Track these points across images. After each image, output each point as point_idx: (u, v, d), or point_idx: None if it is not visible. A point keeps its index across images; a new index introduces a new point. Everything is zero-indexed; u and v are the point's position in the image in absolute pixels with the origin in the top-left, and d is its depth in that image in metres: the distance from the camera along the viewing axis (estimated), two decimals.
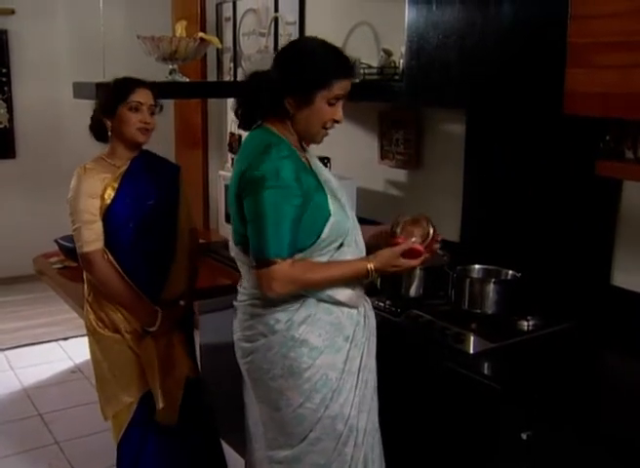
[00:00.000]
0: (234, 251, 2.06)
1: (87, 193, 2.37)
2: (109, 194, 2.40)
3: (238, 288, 2.13)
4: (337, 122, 1.96)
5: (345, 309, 2.02)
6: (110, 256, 2.40)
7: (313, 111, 1.91)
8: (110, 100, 2.40)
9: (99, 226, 2.39)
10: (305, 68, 1.90)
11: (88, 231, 2.37)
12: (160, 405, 2.46)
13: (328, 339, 1.98)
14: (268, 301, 1.96)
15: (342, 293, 1.99)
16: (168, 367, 2.50)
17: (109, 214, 2.39)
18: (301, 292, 1.95)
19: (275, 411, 2.02)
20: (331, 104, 1.92)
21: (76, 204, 2.38)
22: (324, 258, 1.96)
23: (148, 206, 2.45)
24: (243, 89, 2.07)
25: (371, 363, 2.09)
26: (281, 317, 1.97)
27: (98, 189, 2.39)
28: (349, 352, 2.01)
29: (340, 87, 1.91)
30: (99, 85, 2.59)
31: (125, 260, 2.42)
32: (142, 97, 2.40)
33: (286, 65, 1.93)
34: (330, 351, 1.98)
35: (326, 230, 1.93)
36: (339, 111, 1.94)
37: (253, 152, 1.93)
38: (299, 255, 1.92)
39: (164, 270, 2.51)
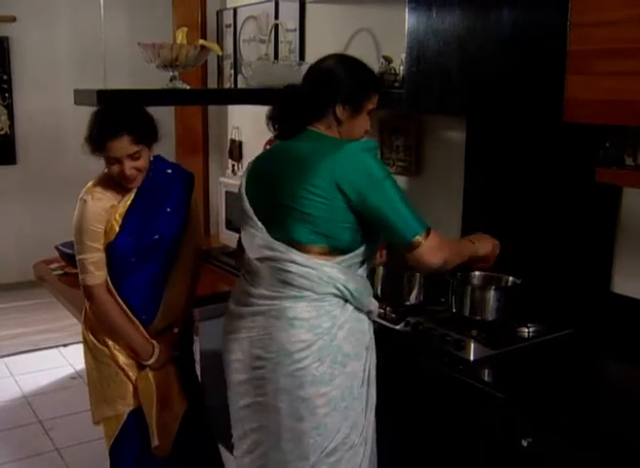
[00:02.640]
0: (270, 248, 1.98)
1: (91, 225, 2.28)
2: (113, 230, 2.31)
3: (249, 290, 2.04)
4: (367, 133, 2.12)
5: (367, 319, 2.06)
6: (110, 285, 2.34)
7: (361, 119, 2.07)
8: (91, 150, 2.26)
9: (102, 258, 2.32)
10: (358, 78, 2.06)
11: (91, 265, 2.30)
12: (155, 442, 2.40)
13: (356, 347, 2.00)
14: (309, 304, 1.94)
15: (372, 302, 2.07)
16: (166, 401, 2.43)
17: (111, 249, 2.33)
18: (347, 296, 1.97)
19: (297, 422, 1.96)
20: (368, 114, 2.09)
21: (80, 236, 2.30)
22: (356, 263, 2.01)
23: (153, 240, 2.36)
24: (281, 98, 2.14)
25: (374, 373, 2.10)
26: (324, 321, 1.95)
27: (102, 222, 2.30)
28: (367, 361, 2.03)
29: (376, 98, 2.09)
30: (99, 92, 2.59)
31: (120, 285, 2.36)
32: (117, 150, 2.19)
33: (337, 76, 2.04)
34: (356, 358, 1.99)
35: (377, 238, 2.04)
36: (369, 122, 2.11)
37: (333, 150, 1.93)
38: (339, 259, 1.96)
39: (160, 295, 2.43)
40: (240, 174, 4.10)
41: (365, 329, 2.04)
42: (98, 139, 2.22)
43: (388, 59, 3.03)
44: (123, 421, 2.44)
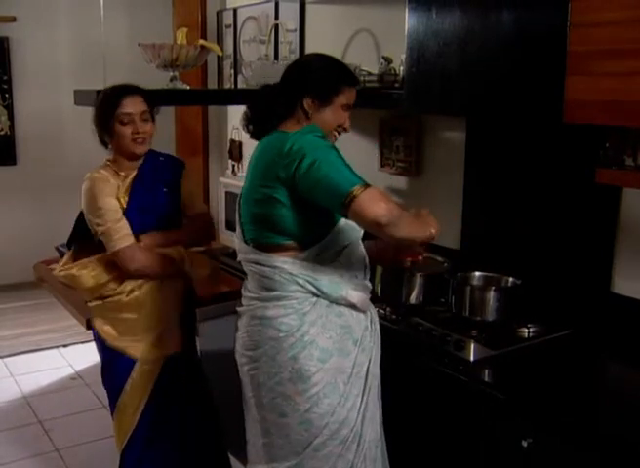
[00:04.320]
0: (245, 249, 2.07)
1: (104, 192, 2.37)
2: (121, 205, 2.40)
3: (243, 293, 2.12)
4: (344, 130, 2.10)
5: (355, 313, 2.04)
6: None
7: (331, 111, 2.04)
8: (101, 116, 2.39)
9: (126, 223, 2.37)
10: (326, 70, 2.07)
11: (116, 229, 2.35)
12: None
13: (338, 342, 1.99)
14: (277, 304, 1.98)
15: (357, 296, 2.03)
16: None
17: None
18: (313, 291, 1.96)
19: (281, 418, 2.00)
20: (343, 110, 2.06)
21: (96, 204, 2.35)
22: (329, 256, 1.99)
23: (156, 217, 2.46)
24: (256, 98, 2.14)
25: (376, 370, 2.09)
26: (292, 319, 1.96)
27: (113, 192, 2.38)
28: (357, 356, 2.02)
29: (351, 94, 2.07)
30: (99, 92, 2.59)
31: None
32: (131, 106, 2.36)
33: (306, 69, 2.09)
34: (340, 354, 1.99)
35: (341, 223, 1.98)
36: (348, 120, 2.09)
37: (283, 142, 1.93)
38: (306, 253, 1.96)
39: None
40: (240, 174, 4.10)
41: (350, 323, 2.02)
42: (113, 98, 2.35)
43: (388, 60, 3.03)
44: (138, 418, 2.47)
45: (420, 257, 2.21)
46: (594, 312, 2.35)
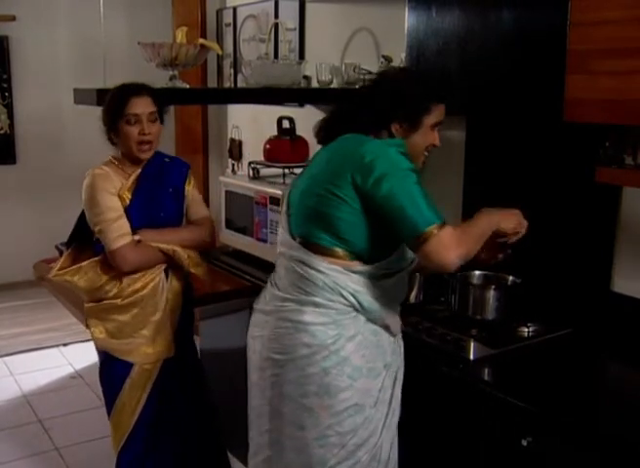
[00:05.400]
0: (289, 244, 1.95)
1: (106, 190, 2.33)
2: (124, 201, 2.37)
3: (271, 290, 2.00)
4: (434, 147, 2.02)
5: (386, 334, 1.97)
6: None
7: (420, 134, 1.96)
8: (109, 115, 2.36)
9: (124, 222, 2.33)
10: (416, 92, 1.94)
11: (114, 229, 2.31)
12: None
13: (370, 362, 1.91)
14: (315, 310, 1.88)
15: (391, 318, 1.97)
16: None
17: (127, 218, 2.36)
18: (355, 306, 1.88)
19: (298, 431, 1.90)
20: (432, 129, 1.97)
21: (96, 201, 2.32)
22: (381, 276, 1.91)
23: (160, 216, 2.44)
24: (337, 114, 2.05)
25: (399, 392, 2.03)
26: (330, 328, 1.86)
27: (115, 189, 2.35)
28: (385, 380, 1.95)
29: (440, 111, 1.97)
30: (99, 91, 2.59)
31: None
32: (139, 107, 2.33)
33: (396, 94, 1.94)
34: (369, 375, 1.91)
35: (400, 249, 1.92)
36: (437, 137, 2.00)
37: (362, 145, 1.86)
38: (360, 267, 1.88)
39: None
40: (240, 173, 4.09)
41: (383, 344, 1.95)
42: (121, 97, 2.33)
43: (388, 59, 3.03)
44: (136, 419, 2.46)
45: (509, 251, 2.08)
46: (594, 311, 2.35)
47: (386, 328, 1.96)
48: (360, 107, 1.98)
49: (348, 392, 1.88)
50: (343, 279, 1.87)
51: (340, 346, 1.87)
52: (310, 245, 1.90)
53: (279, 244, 2.02)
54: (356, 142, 1.89)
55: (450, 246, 1.75)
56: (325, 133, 2.03)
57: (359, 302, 1.88)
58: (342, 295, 1.87)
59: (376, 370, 1.92)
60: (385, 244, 1.90)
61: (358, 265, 1.89)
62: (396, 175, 1.79)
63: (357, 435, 1.90)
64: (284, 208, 2.04)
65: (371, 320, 1.92)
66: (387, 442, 1.99)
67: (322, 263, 1.88)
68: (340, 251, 1.88)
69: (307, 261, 1.89)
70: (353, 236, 1.86)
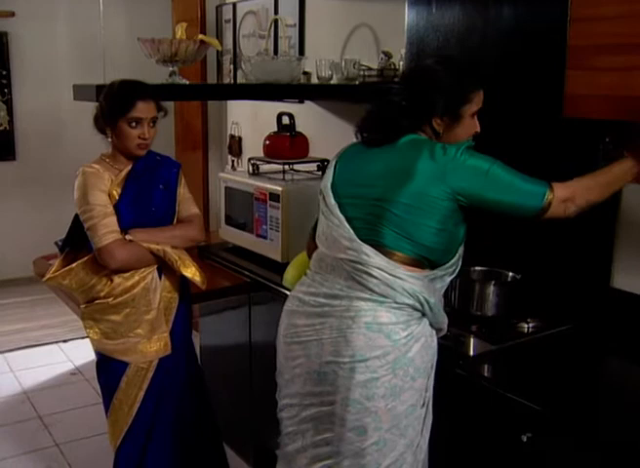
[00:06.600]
0: (358, 248, 1.89)
1: (97, 187, 2.33)
2: (114, 197, 2.36)
3: (330, 291, 1.93)
4: (476, 134, 2.00)
5: (436, 336, 1.99)
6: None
7: (462, 125, 1.95)
8: (110, 112, 2.34)
9: (113, 220, 2.32)
10: (454, 82, 1.91)
11: (102, 225, 2.30)
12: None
13: (426, 362, 1.92)
14: (390, 310, 1.86)
15: (444, 321, 2.00)
16: None
17: (116, 214, 2.35)
18: (424, 310, 1.89)
19: (359, 436, 1.87)
20: (472, 117, 1.96)
21: (86, 199, 2.32)
22: (441, 280, 1.96)
23: (151, 212, 2.43)
24: (377, 110, 2.02)
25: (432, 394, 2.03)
26: (401, 328, 1.86)
27: (106, 186, 2.35)
28: (429, 380, 1.97)
29: (479, 97, 1.95)
30: (99, 87, 2.58)
31: None
32: (143, 111, 2.33)
33: (433, 86, 1.91)
34: (423, 375, 1.92)
35: (460, 251, 1.97)
36: (477, 123, 1.99)
37: (433, 157, 1.85)
38: (426, 272, 1.91)
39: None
40: (240, 169, 4.10)
41: (435, 346, 1.97)
42: (128, 98, 2.32)
43: (388, 55, 3.03)
44: (133, 415, 2.46)
45: None
46: (594, 307, 2.35)
47: (440, 330, 2.00)
48: (399, 105, 1.95)
49: (409, 392, 1.88)
50: (420, 285, 1.89)
51: (409, 347, 1.87)
52: (382, 248, 1.88)
53: (339, 248, 1.94)
54: (430, 151, 1.87)
55: (567, 200, 1.87)
56: (369, 133, 2.01)
57: (430, 307, 1.90)
58: (419, 301, 1.88)
59: (427, 371, 1.94)
60: (454, 245, 1.95)
61: (427, 270, 1.92)
62: (489, 181, 1.84)
63: (407, 436, 1.91)
64: (330, 200, 1.99)
65: (433, 323, 1.95)
66: (425, 443, 2.00)
67: (399, 268, 1.87)
68: (409, 254, 1.89)
69: (383, 267, 1.86)
70: (434, 243, 1.89)
